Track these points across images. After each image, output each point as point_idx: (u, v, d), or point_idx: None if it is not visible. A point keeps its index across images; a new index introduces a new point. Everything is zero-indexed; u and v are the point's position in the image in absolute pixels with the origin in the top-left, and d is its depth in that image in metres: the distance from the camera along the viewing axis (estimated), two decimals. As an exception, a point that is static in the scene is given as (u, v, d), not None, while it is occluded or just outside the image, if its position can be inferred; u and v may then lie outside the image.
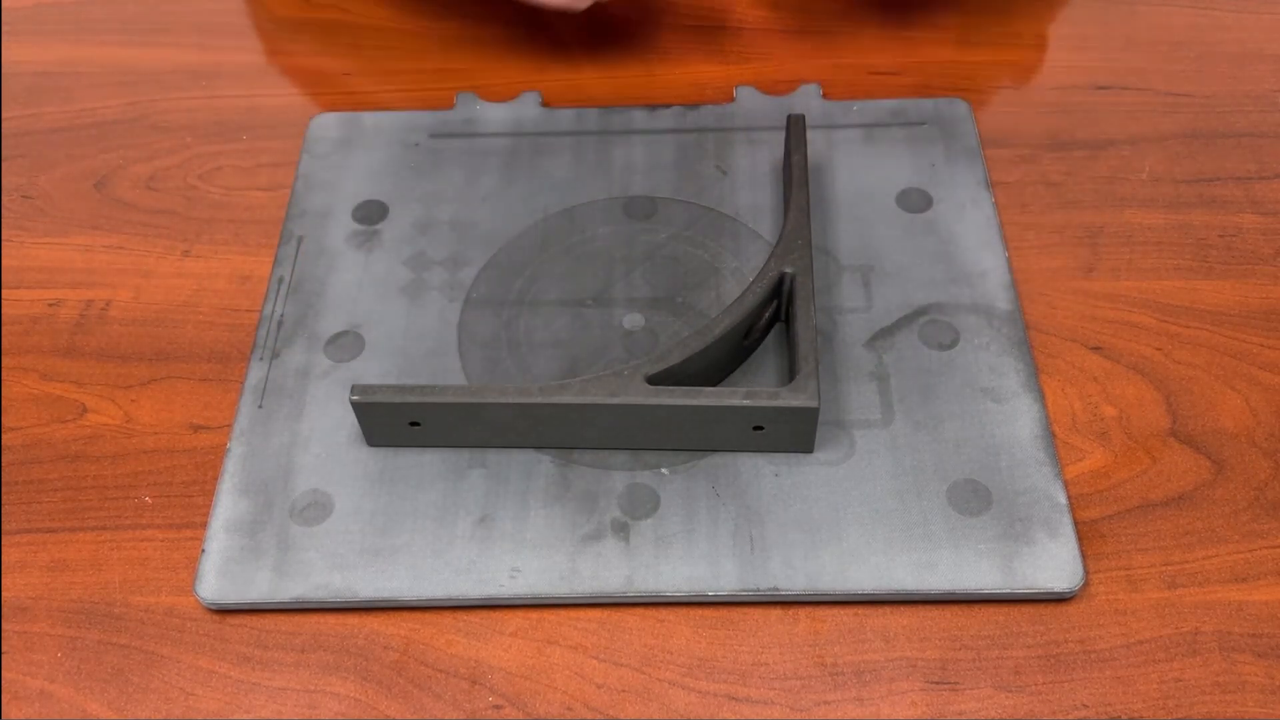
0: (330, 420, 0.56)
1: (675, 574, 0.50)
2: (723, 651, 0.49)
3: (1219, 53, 0.72)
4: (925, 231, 0.62)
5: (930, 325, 0.58)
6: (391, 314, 0.60)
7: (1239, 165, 0.66)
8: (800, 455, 0.53)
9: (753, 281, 0.55)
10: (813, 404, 0.51)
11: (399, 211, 0.64)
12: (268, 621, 0.51)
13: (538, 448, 0.54)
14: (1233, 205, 0.64)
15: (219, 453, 0.56)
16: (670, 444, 0.54)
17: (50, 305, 0.62)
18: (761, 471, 0.53)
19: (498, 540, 0.52)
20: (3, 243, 0.65)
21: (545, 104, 0.70)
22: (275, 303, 0.60)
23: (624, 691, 0.48)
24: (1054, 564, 0.50)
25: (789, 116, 0.62)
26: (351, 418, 0.55)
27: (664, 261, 0.62)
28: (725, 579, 0.50)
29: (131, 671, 0.49)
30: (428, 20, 0.76)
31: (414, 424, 0.53)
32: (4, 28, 0.76)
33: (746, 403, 0.51)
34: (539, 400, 0.51)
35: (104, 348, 0.60)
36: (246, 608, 0.51)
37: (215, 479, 0.55)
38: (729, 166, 0.66)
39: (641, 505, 0.52)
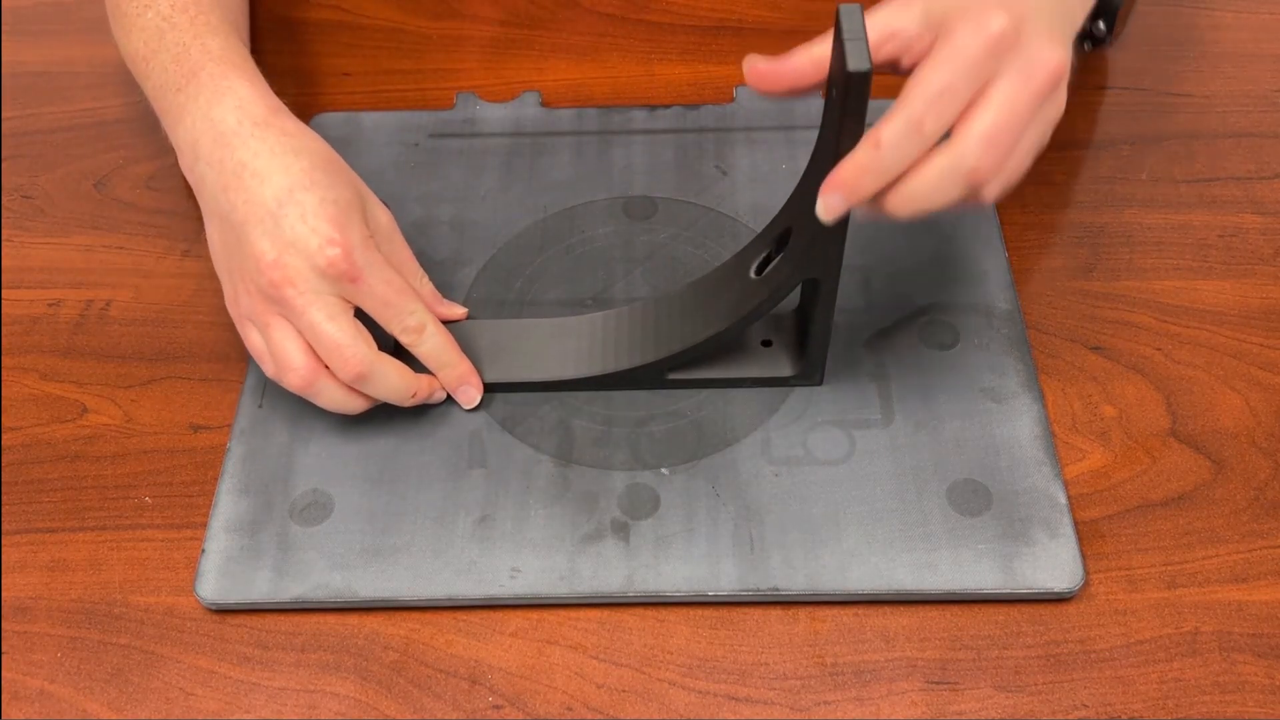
0: (330, 420, 0.55)
1: (675, 574, 0.50)
2: (723, 651, 0.49)
3: (1219, 53, 0.72)
4: (925, 232, 0.62)
5: (930, 325, 0.58)
6: (391, 314, 0.60)
7: (1239, 165, 0.66)
8: (800, 455, 0.53)
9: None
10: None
11: (399, 211, 0.64)
12: (268, 621, 0.51)
13: (550, 383, 0.56)
14: (1233, 205, 0.64)
15: (219, 453, 0.56)
16: (689, 358, 0.55)
17: (50, 305, 0.62)
18: (761, 472, 0.53)
19: (498, 540, 0.52)
20: (3, 243, 0.65)
21: (545, 104, 0.70)
22: (275, 303, 0.60)
23: (624, 691, 0.48)
24: (1054, 564, 0.50)
25: (849, 74, 0.42)
26: (351, 417, 0.55)
27: (664, 261, 0.62)
28: (725, 579, 0.50)
29: (131, 671, 0.49)
30: (428, 20, 0.76)
31: None
32: (4, 28, 0.76)
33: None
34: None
35: (104, 348, 0.60)
36: (246, 608, 0.51)
37: (215, 479, 0.55)
38: (729, 166, 0.66)
39: (641, 505, 0.52)
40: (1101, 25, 0.55)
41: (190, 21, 0.58)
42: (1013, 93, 0.43)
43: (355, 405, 0.53)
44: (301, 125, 0.54)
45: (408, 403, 0.54)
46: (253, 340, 0.53)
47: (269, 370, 0.53)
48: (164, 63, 0.57)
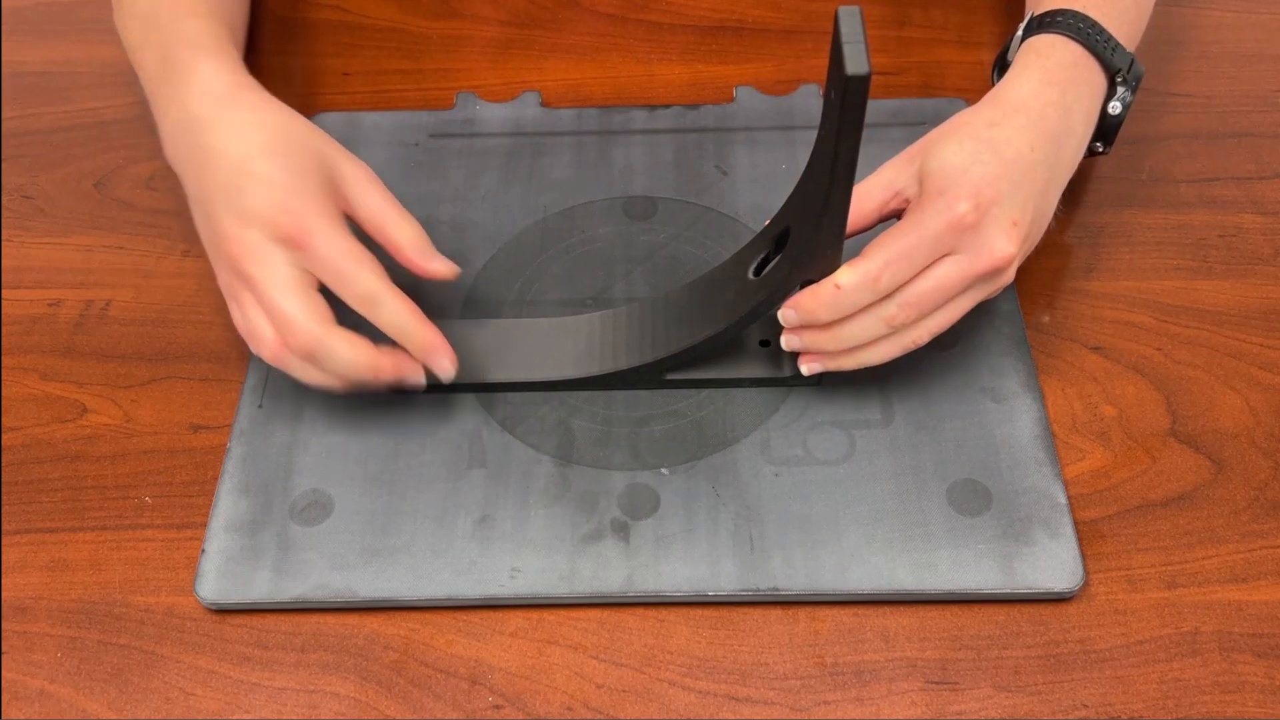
0: (330, 420, 0.55)
1: (675, 574, 0.50)
2: (723, 651, 0.49)
3: (1219, 53, 0.72)
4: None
5: (930, 325, 0.58)
6: (391, 314, 0.59)
7: (1239, 165, 0.66)
8: (800, 455, 0.53)
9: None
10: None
11: (399, 211, 0.64)
12: (268, 621, 0.51)
13: (550, 383, 0.56)
14: (1233, 205, 0.64)
15: (219, 453, 0.56)
16: (687, 358, 0.55)
17: (50, 305, 0.62)
18: (761, 472, 0.53)
19: (498, 540, 0.52)
20: (3, 243, 0.65)
21: (545, 104, 0.70)
22: (275, 303, 0.60)
23: (624, 691, 0.48)
24: (1054, 564, 0.50)
25: (848, 77, 0.42)
26: (351, 418, 0.55)
27: (664, 261, 0.62)
28: (725, 579, 0.50)
29: (131, 671, 0.49)
30: (428, 20, 0.76)
31: None
32: (4, 28, 0.76)
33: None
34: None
35: (104, 348, 0.60)
36: (246, 608, 0.51)
37: (215, 479, 0.55)
38: (729, 166, 0.66)
39: (641, 505, 0.52)
40: (1100, 146, 0.59)
41: (173, 4, 0.58)
42: (955, 270, 0.49)
43: (328, 381, 0.52)
44: (265, 97, 0.54)
45: (376, 380, 0.52)
46: (235, 316, 0.53)
47: (251, 345, 0.52)
48: (151, 51, 0.57)
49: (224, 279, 0.52)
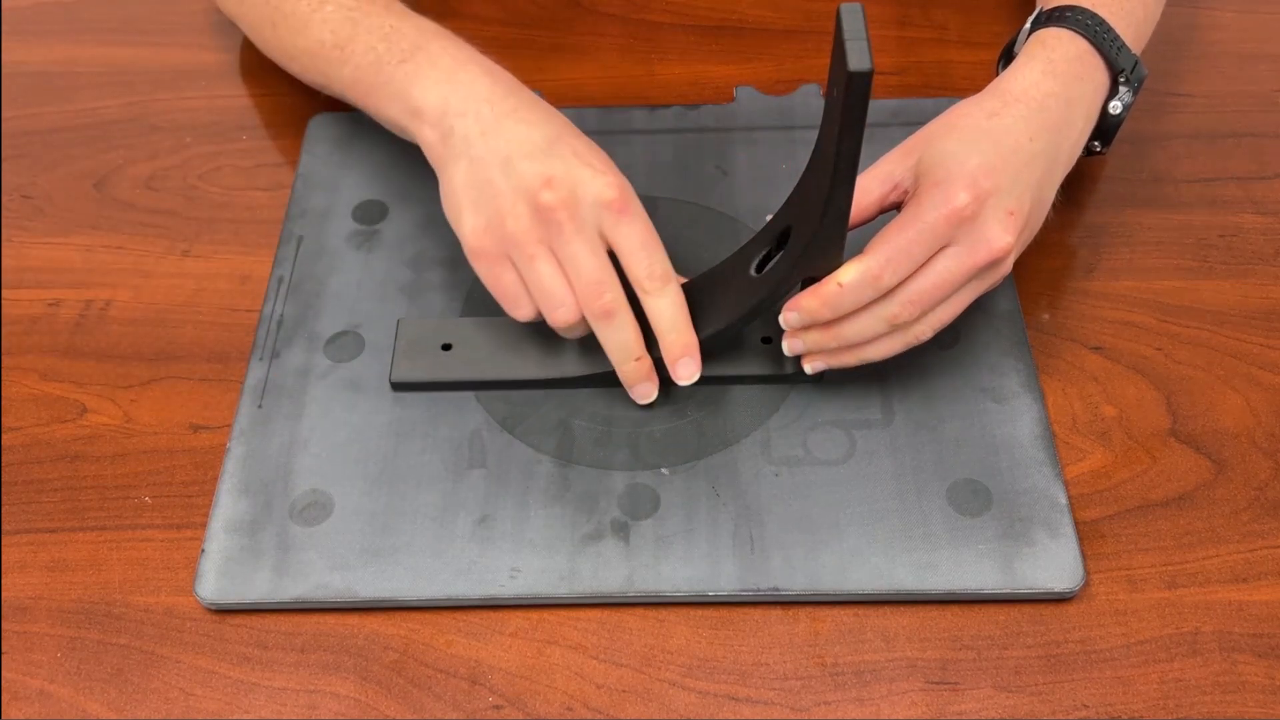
0: (330, 420, 0.55)
1: (675, 574, 0.50)
2: (723, 651, 0.49)
3: (1219, 53, 0.72)
4: (925, 231, 0.62)
5: (930, 325, 0.58)
6: (391, 314, 0.60)
7: (1239, 165, 0.66)
8: (800, 455, 0.53)
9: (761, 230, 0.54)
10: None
11: (399, 211, 0.64)
12: (268, 621, 0.51)
13: (552, 380, 0.56)
14: (1233, 205, 0.64)
15: (219, 453, 0.56)
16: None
17: (50, 305, 0.62)
18: (761, 472, 0.53)
19: (498, 540, 0.52)
20: (3, 243, 0.65)
21: (545, 104, 0.70)
22: (275, 303, 0.60)
23: (624, 691, 0.48)
24: (1054, 564, 0.50)
25: (850, 74, 0.41)
26: (351, 418, 0.55)
27: (664, 261, 0.62)
28: (725, 579, 0.50)
29: (131, 671, 0.49)
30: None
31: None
32: (4, 28, 0.76)
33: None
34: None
35: (104, 348, 0.60)
36: (246, 608, 0.51)
37: (215, 479, 0.55)
38: (729, 166, 0.66)
39: (641, 505, 0.52)
40: (1097, 145, 0.59)
41: (384, 8, 0.60)
42: (954, 264, 0.50)
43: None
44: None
45: (625, 367, 0.53)
46: (505, 282, 0.53)
47: (523, 311, 0.53)
48: (370, 43, 0.58)
49: (513, 228, 0.51)
